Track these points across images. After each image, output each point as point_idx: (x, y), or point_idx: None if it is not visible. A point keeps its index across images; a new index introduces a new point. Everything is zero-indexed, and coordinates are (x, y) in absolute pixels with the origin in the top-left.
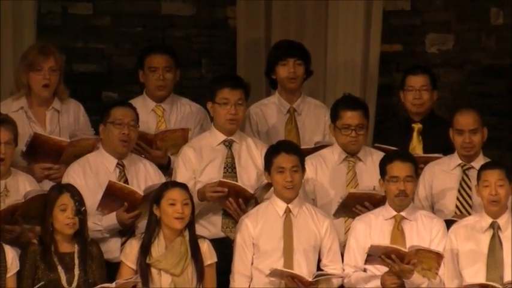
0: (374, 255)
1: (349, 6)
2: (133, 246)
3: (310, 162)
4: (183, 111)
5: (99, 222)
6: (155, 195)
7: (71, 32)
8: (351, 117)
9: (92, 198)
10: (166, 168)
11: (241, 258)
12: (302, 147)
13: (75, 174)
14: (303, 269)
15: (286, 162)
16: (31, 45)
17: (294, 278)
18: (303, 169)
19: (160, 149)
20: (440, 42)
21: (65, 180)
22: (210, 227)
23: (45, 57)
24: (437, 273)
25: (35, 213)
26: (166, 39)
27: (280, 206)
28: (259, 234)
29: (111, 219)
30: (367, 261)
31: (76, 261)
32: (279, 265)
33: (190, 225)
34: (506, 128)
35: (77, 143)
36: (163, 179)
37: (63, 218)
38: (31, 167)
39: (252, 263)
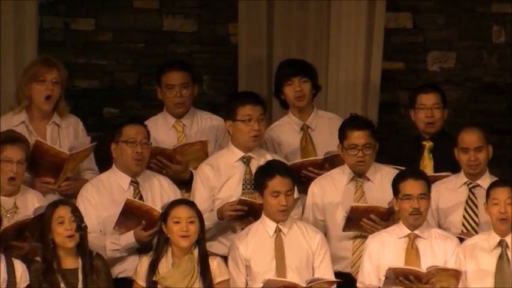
0: (391, 277)
1: (351, 24)
2: (143, 264)
3: (319, 183)
4: (204, 125)
5: (117, 241)
6: (163, 214)
7: (73, 48)
8: (357, 137)
9: (108, 217)
10: (189, 183)
11: (235, 282)
12: (312, 158)
13: (89, 195)
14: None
15: (281, 186)
16: (34, 59)
17: (288, 286)
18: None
19: (180, 163)
20: (442, 60)
21: (79, 200)
22: (228, 243)
23: (48, 69)
24: None
25: None
26: (168, 55)
27: (270, 226)
28: (250, 256)
29: (129, 237)
30: (384, 284)
31: (80, 277)
32: None
33: (200, 243)
34: (507, 146)
35: (76, 156)
36: (178, 193)
37: (62, 230)
38: (33, 182)
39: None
